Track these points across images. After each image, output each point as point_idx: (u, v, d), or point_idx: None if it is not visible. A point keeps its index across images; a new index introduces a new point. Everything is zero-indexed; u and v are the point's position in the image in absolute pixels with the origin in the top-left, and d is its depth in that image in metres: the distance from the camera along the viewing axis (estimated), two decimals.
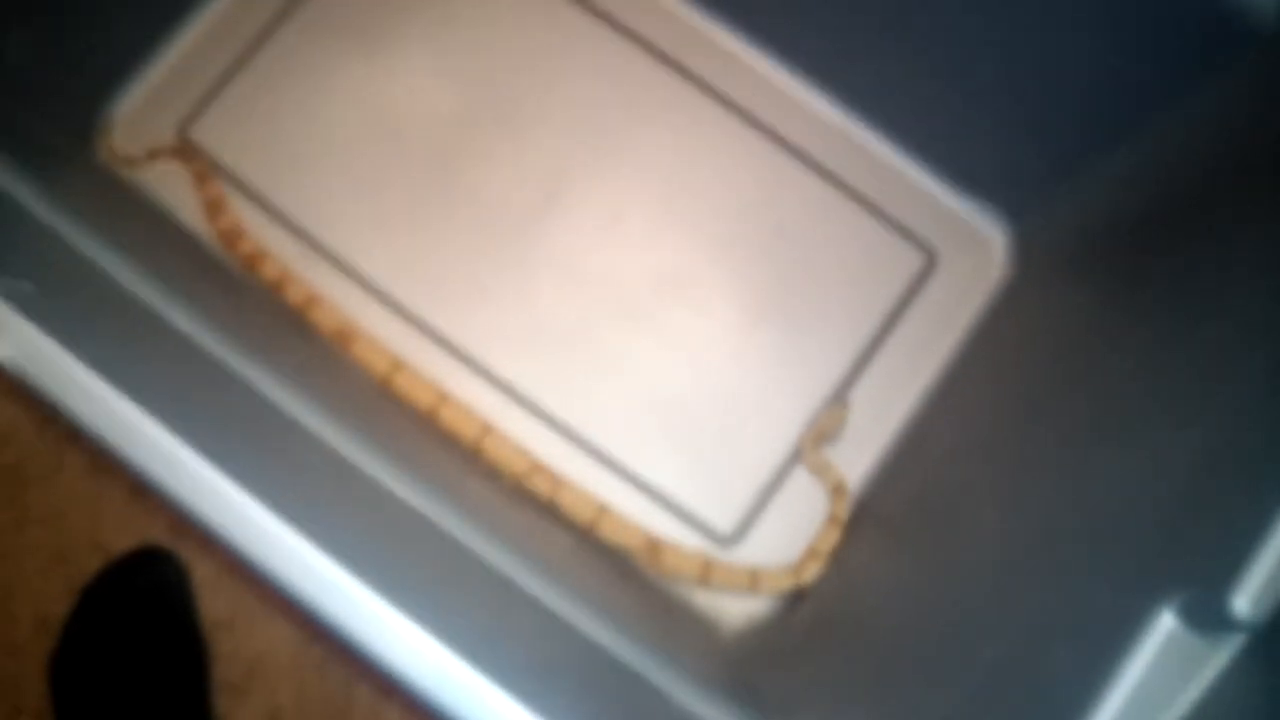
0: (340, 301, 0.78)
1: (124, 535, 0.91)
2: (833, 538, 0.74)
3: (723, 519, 0.76)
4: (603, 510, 0.73)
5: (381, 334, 0.77)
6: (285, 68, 0.82)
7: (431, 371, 0.76)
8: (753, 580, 0.73)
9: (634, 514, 0.75)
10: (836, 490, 0.75)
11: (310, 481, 0.51)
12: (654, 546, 0.73)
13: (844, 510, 0.74)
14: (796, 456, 0.77)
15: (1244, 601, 0.39)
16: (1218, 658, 0.41)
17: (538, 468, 0.74)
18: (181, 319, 0.53)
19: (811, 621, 0.71)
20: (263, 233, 0.79)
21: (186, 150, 0.80)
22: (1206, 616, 0.40)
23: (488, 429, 0.74)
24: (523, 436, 0.76)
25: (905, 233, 0.81)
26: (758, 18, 0.81)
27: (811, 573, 0.73)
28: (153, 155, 0.79)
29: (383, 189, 0.80)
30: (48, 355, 0.41)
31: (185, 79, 0.82)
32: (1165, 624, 0.41)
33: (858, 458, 0.77)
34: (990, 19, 0.67)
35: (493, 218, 0.80)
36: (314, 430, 0.54)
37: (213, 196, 0.78)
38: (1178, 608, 0.41)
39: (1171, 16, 0.59)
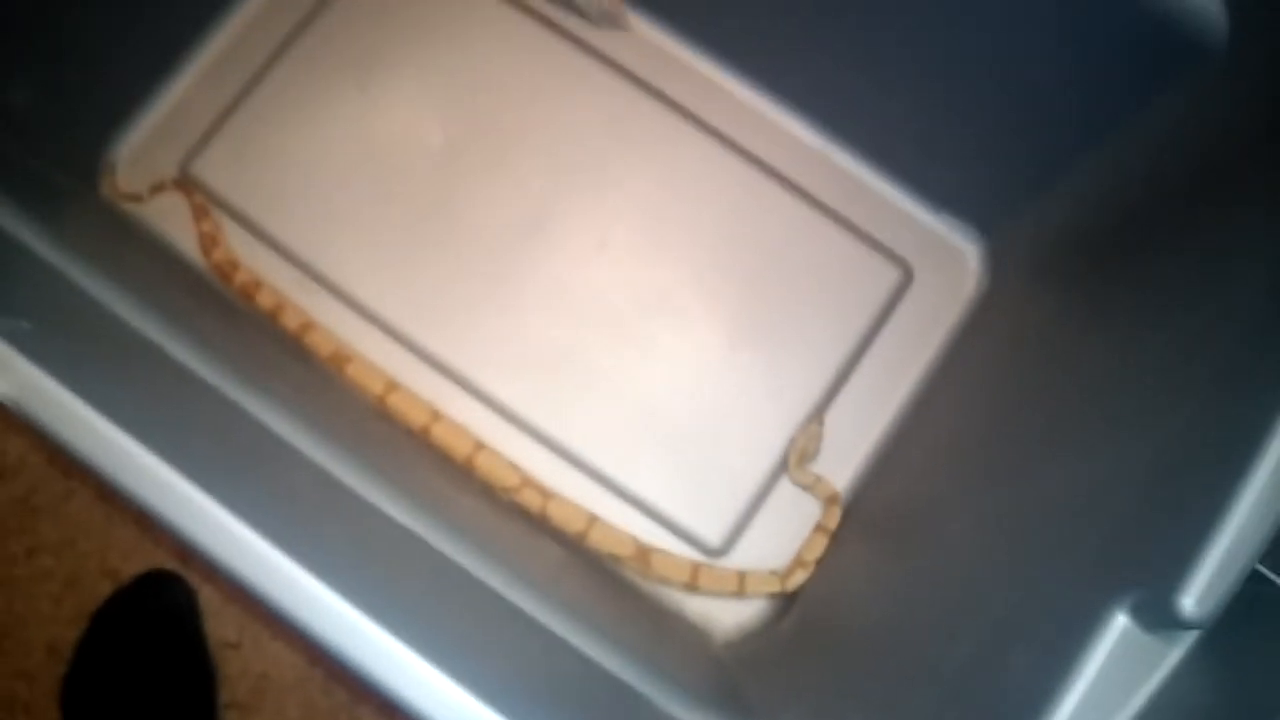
0: (338, 328, 0.80)
1: (133, 561, 0.93)
2: (819, 546, 0.76)
3: (711, 531, 0.78)
4: (593, 520, 0.76)
5: (378, 358, 0.79)
6: (281, 103, 0.85)
7: (426, 393, 0.79)
8: (740, 583, 0.75)
9: (614, 520, 0.77)
10: (830, 500, 0.77)
11: (306, 506, 0.53)
12: (643, 553, 0.75)
13: (834, 520, 0.77)
14: (783, 471, 0.79)
15: (1191, 601, 0.41)
16: (1170, 656, 0.43)
17: (528, 481, 0.76)
18: (180, 350, 0.54)
19: (797, 628, 0.73)
20: (262, 264, 0.81)
21: (186, 185, 0.82)
22: (1157, 616, 0.42)
23: (480, 445, 0.76)
24: (516, 454, 0.78)
25: (881, 249, 0.83)
26: (734, 46, 0.84)
27: (797, 580, 0.75)
28: (156, 189, 0.82)
29: (377, 218, 0.83)
30: (47, 392, 0.42)
31: (185, 117, 0.84)
32: (1119, 624, 0.43)
33: (839, 468, 0.79)
34: (956, 44, 0.69)
35: (483, 244, 0.82)
36: (310, 455, 0.56)
37: (207, 231, 0.81)
38: (1130, 608, 0.42)
39: (1127, 35, 0.60)
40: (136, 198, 0.82)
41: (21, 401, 0.42)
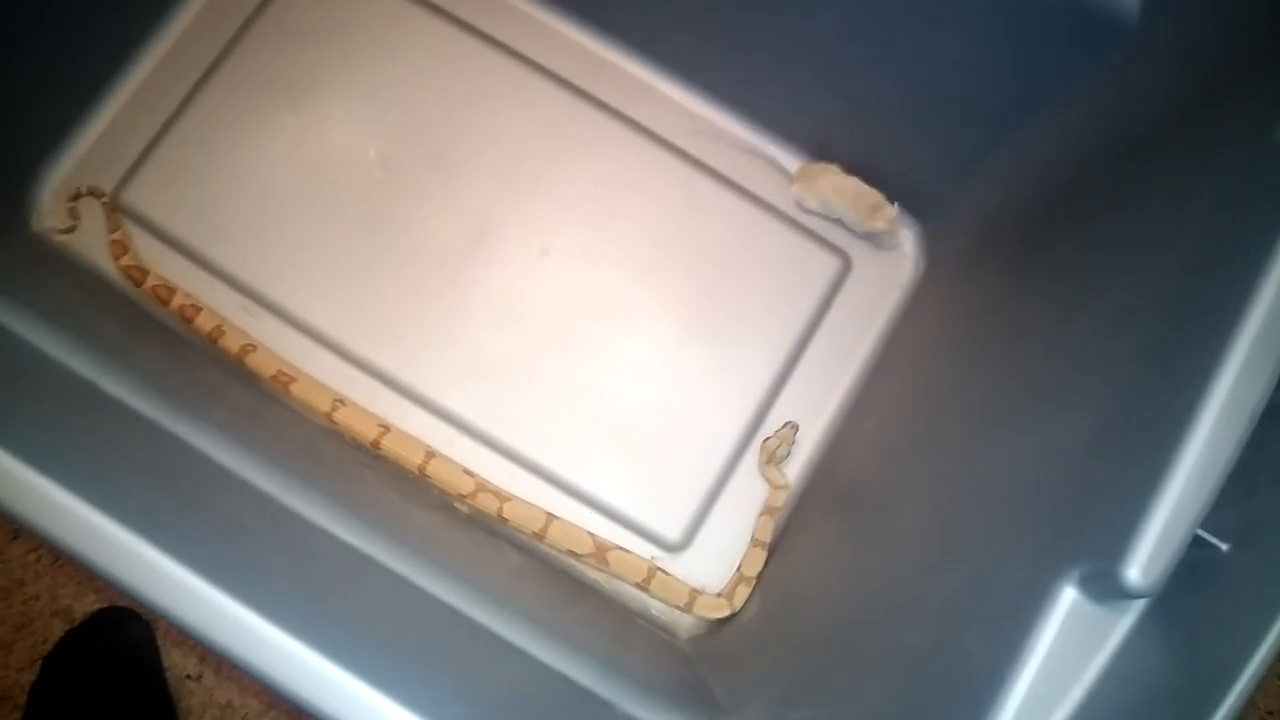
0: (286, 351, 0.79)
1: (84, 599, 0.92)
2: (758, 561, 0.76)
3: (669, 528, 0.78)
4: (550, 519, 0.76)
5: (328, 378, 0.78)
6: (213, 125, 0.83)
7: (380, 410, 0.78)
8: (689, 600, 0.75)
9: (575, 522, 0.77)
10: (767, 511, 0.78)
11: (251, 536, 0.52)
12: (601, 550, 0.75)
13: (768, 534, 0.77)
14: (736, 463, 0.79)
15: (1137, 571, 0.41)
16: (1120, 626, 0.43)
17: (483, 486, 0.76)
18: (112, 384, 0.53)
19: (760, 619, 0.73)
20: (205, 291, 0.80)
21: (96, 190, 0.80)
22: (1104, 587, 0.42)
23: (432, 454, 0.76)
24: (474, 464, 0.77)
25: (819, 239, 0.84)
26: (665, 46, 0.84)
27: (741, 596, 0.75)
28: (72, 199, 0.80)
29: (318, 237, 0.82)
30: None
31: (114, 146, 0.83)
32: (1068, 597, 0.43)
33: (790, 459, 0.80)
34: (880, 35, 0.70)
35: (427, 258, 0.82)
36: (255, 482, 0.55)
37: (118, 239, 0.79)
38: (1078, 581, 0.43)
39: (1045, 17, 0.61)
40: (69, 229, 0.80)
41: None
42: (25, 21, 0.74)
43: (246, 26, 0.85)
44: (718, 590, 0.76)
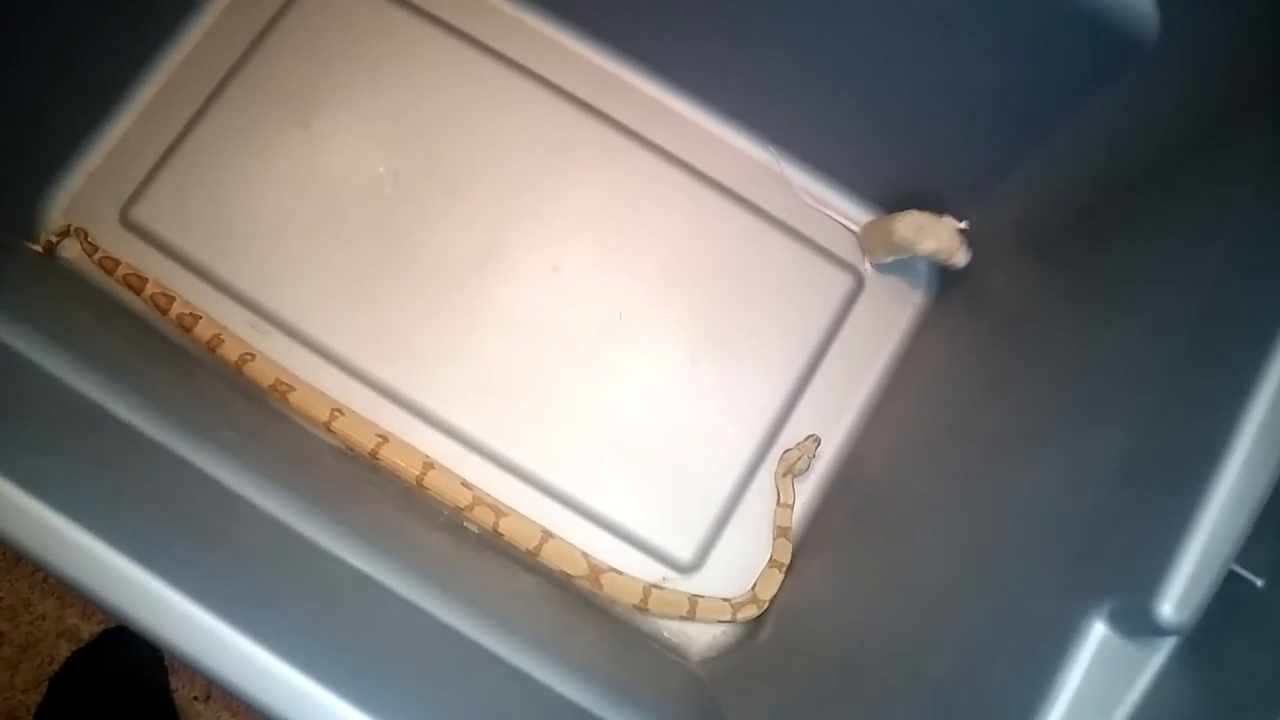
0: (295, 367, 0.78)
1: (92, 618, 0.91)
2: (774, 583, 0.75)
3: (682, 548, 0.77)
4: (546, 537, 0.74)
5: (338, 395, 0.77)
6: (223, 142, 0.83)
7: (389, 427, 0.77)
8: (691, 608, 0.74)
9: (584, 542, 0.76)
10: (780, 532, 0.76)
11: (259, 563, 0.51)
12: (595, 572, 0.74)
13: (786, 554, 0.76)
14: (749, 484, 0.78)
15: (1170, 607, 0.40)
16: (1151, 663, 0.42)
17: (480, 499, 0.75)
18: (120, 407, 0.52)
19: (773, 642, 0.72)
20: (213, 307, 0.79)
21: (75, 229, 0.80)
22: (1136, 623, 0.41)
23: (430, 465, 0.75)
24: (484, 482, 0.77)
25: (831, 257, 0.83)
26: (674, 63, 0.84)
27: (748, 614, 0.74)
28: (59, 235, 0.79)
29: (327, 253, 0.81)
30: None
31: (123, 163, 0.82)
32: (1098, 633, 0.42)
33: (803, 478, 0.79)
34: (896, 51, 0.69)
35: (437, 274, 0.81)
36: (264, 506, 0.54)
37: (124, 275, 0.78)
38: (1108, 616, 0.42)
39: (1063, 34, 0.60)
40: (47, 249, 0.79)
41: None
42: (38, 39, 0.73)
43: (257, 43, 0.85)
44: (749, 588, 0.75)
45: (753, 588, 0.75)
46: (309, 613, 0.47)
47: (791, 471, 0.77)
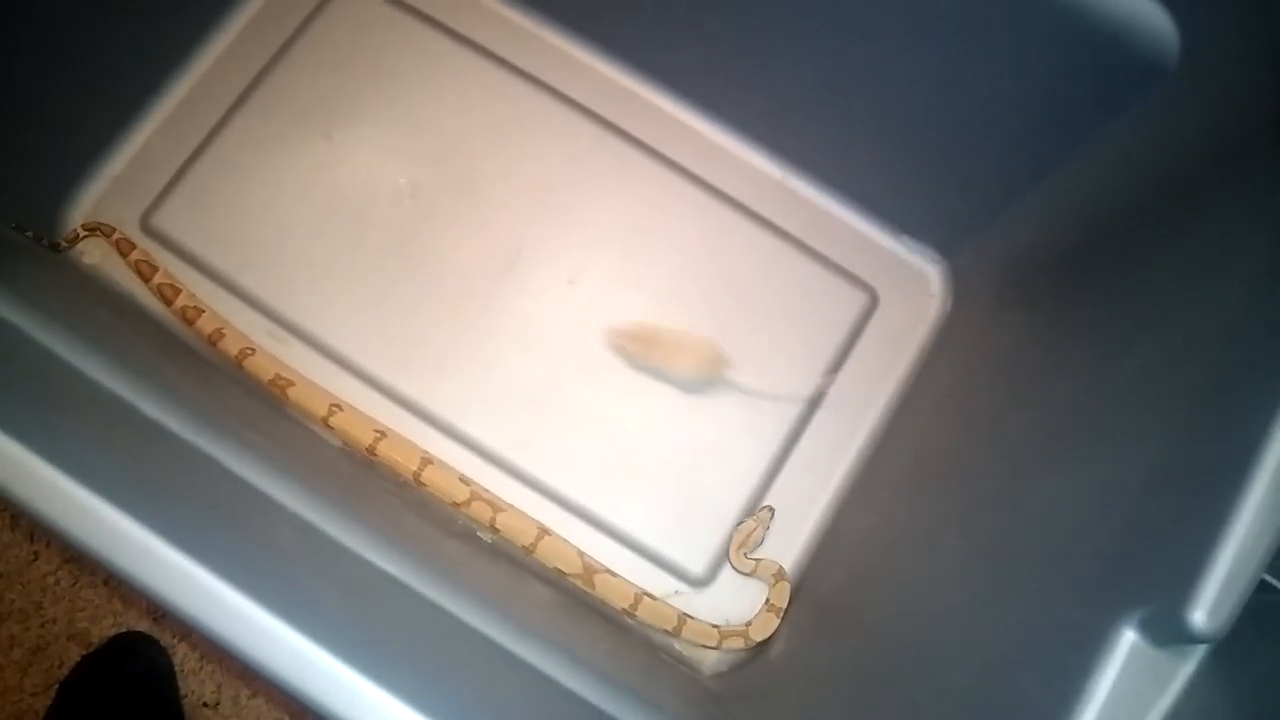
0: (314, 377, 0.78)
1: (102, 623, 0.91)
2: (770, 626, 0.74)
3: (693, 562, 0.77)
4: (542, 534, 0.74)
5: (359, 406, 0.77)
6: (245, 152, 0.84)
7: (408, 436, 0.77)
8: (678, 625, 0.74)
9: (596, 553, 0.76)
10: (776, 576, 0.76)
11: (287, 557, 0.51)
12: (589, 572, 0.74)
13: (784, 598, 0.75)
14: (762, 499, 0.78)
15: (1202, 615, 0.40)
16: (1182, 671, 0.42)
17: (478, 495, 0.75)
18: (150, 406, 0.53)
19: (787, 659, 0.72)
20: (232, 315, 0.79)
21: (106, 229, 0.80)
22: (1167, 631, 0.41)
23: (427, 460, 0.75)
24: (497, 491, 0.77)
25: (846, 275, 0.84)
26: (693, 80, 0.84)
27: (733, 645, 0.74)
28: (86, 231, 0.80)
29: (347, 263, 0.81)
30: (9, 456, 0.40)
31: (145, 169, 0.83)
32: (1128, 641, 0.42)
33: (819, 490, 0.79)
34: (913, 73, 0.70)
35: (455, 286, 0.81)
36: (290, 506, 0.55)
37: (136, 261, 0.79)
38: (1138, 625, 0.42)
39: (1081, 57, 0.61)
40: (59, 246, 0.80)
41: None
42: (64, 47, 0.74)
43: (280, 55, 0.86)
44: (744, 623, 0.75)
45: (747, 625, 0.75)
46: (342, 607, 0.47)
47: (746, 545, 0.77)
